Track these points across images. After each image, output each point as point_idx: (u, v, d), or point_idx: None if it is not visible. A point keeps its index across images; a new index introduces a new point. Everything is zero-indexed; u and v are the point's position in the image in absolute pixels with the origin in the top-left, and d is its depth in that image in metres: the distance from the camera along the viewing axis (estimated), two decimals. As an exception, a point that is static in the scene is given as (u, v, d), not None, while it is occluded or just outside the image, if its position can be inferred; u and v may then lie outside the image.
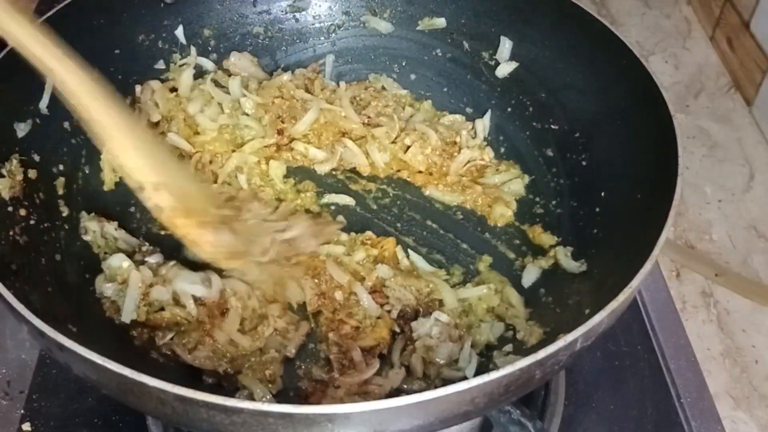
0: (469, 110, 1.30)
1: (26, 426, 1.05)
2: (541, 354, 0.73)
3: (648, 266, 0.81)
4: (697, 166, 1.48)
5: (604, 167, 1.09)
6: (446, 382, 0.78)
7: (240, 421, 0.69)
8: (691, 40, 1.78)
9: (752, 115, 1.58)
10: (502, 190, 1.19)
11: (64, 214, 1.07)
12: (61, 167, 1.10)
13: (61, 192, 1.09)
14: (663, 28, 1.81)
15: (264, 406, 0.68)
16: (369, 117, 1.25)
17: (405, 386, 0.95)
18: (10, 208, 0.98)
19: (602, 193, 1.07)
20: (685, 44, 1.77)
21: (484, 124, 1.26)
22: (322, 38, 1.34)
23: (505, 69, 1.25)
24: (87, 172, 1.14)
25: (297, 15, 1.32)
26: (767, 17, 1.52)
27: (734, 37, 1.65)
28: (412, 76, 1.33)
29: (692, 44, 1.77)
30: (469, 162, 1.22)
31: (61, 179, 1.09)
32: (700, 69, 1.70)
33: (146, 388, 0.70)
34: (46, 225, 1.03)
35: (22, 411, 1.07)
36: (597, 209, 1.07)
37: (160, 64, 1.25)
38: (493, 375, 0.70)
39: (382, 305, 1.02)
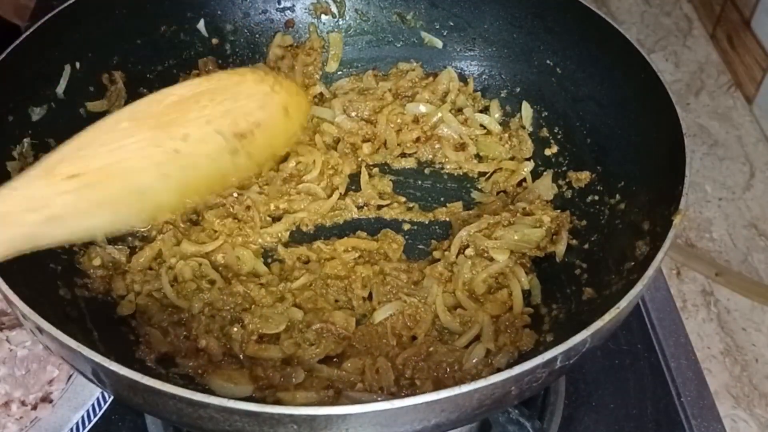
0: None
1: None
2: (516, 370, 0.71)
3: (639, 287, 0.79)
4: (697, 164, 1.48)
5: (614, 180, 1.09)
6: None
7: (207, 416, 0.70)
8: (691, 38, 1.78)
9: (753, 114, 1.58)
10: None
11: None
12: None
13: None
14: (663, 25, 1.81)
15: (229, 403, 0.68)
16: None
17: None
18: None
19: (610, 204, 1.07)
20: (685, 42, 1.77)
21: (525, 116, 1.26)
22: (347, 42, 1.34)
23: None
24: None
25: (322, 17, 1.32)
26: (768, 15, 1.52)
27: (735, 35, 1.65)
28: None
29: (693, 42, 1.76)
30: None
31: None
32: (700, 67, 1.70)
33: (117, 377, 0.71)
34: None
35: (22, 410, 1.07)
36: (602, 220, 1.07)
37: (181, 57, 1.26)
38: (464, 388, 0.69)
39: None
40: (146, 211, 0.80)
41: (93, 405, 1.02)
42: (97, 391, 1.02)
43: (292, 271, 1.07)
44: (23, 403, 1.00)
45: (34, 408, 1.00)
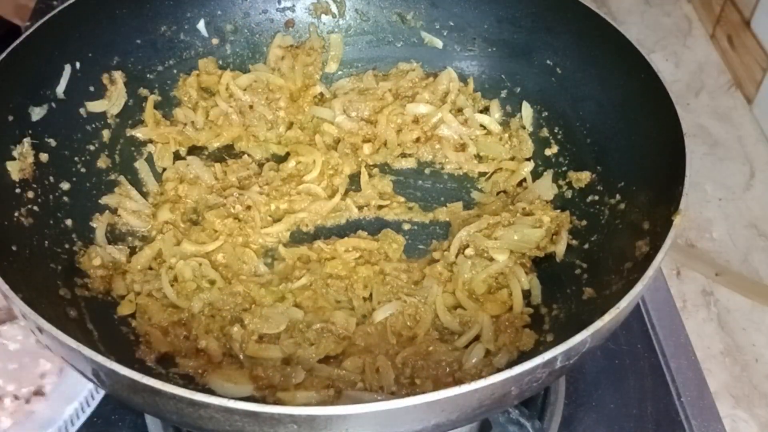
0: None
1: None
2: (516, 370, 0.71)
3: (639, 287, 0.79)
4: (697, 164, 1.48)
5: (614, 180, 1.09)
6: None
7: (207, 416, 0.70)
8: (691, 38, 1.78)
9: (753, 114, 1.58)
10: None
11: (73, 200, 1.08)
12: (74, 152, 1.11)
13: (72, 177, 1.09)
14: (663, 26, 1.81)
15: (229, 403, 0.68)
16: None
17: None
18: (18, 190, 1.00)
19: (610, 204, 1.07)
20: (685, 42, 1.77)
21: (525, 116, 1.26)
22: (347, 42, 1.34)
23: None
24: (100, 158, 1.14)
25: (322, 17, 1.32)
26: (768, 15, 1.52)
27: (735, 35, 1.65)
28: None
29: (693, 42, 1.76)
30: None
31: (74, 164, 1.10)
32: (700, 67, 1.70)
33: (118, 377, 0.71)
34: (53, 209, 1.04)
35: (22, 410, 1.07)
36: (602, 220, 1.07)
37: (181, 57, 1.26)
38: (464, 388, 0.69)
39: None
40: None
41: (86, 397, 1.02)
42: (90, 384, 1.02)
43: (292, 271, 1.07)
44: (16, 397, 1.00)
45: (28, 402, 1.00)
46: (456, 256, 1.07)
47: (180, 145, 1.22)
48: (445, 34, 1.30)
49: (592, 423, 1.08)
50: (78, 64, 1.12)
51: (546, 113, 1.23)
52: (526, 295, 1.04)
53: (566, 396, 1.08)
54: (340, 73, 1.34)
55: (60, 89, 1.10)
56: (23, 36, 1.03)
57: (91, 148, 1.14)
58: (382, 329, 1.00)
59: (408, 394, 0.68)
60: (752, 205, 1.41)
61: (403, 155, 1.25)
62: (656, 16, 1.83)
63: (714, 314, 1.25)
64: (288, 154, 1.24)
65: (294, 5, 1.31)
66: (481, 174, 1.22)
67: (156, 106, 1.23)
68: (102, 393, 1.03)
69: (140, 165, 1.19)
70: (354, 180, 1.21)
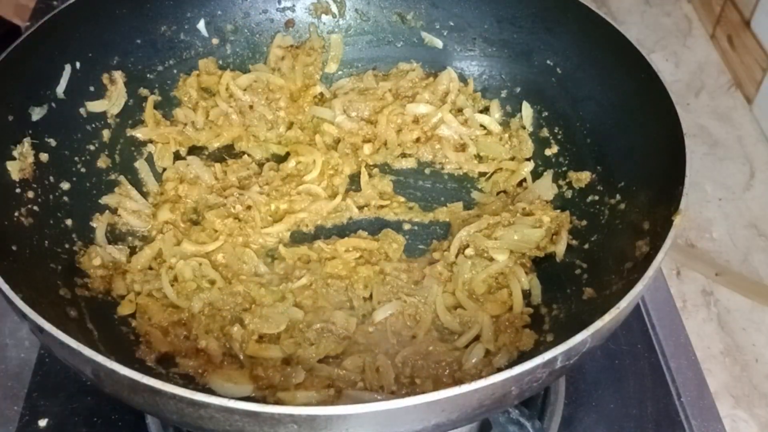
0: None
1: (25, 425, 1.05)
2: (516, 370, 0.71)
3: (639, 287, 0.79)
4: (697, 164, 1.48)
5: (614, 180, 1.08)
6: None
7: (207, 416, 0.70)
8: (691, 38, 1.78)
9: (753, 114, 1.58)
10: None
11: (73, 200, 1.08)
12: (74, 152, 1.11)
13: (72, 177, 1.09)
14: (663, 26, 1.81)
15: (229, 403, 0.68)
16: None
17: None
18: (18, 190, 1.00)
19: (610, 204, 1.07)
20: (685, 42, 1.77)
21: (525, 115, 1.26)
22: (347, 42, 1.34)
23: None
24: (100, 158, 1.15)
25: (323, 17, 1.32)
26: (768, 15, 1.52)
27: (735, 35, 1.65)
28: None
29: (693, 42, 1.77)
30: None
31: (74, 164, 1.10)
32: (700, 67, 1.70)
33: (118, 377, 0.71)
34: (53, 209, 1.04)
35: (21, 410, 1.07)
36: (602, 220, 1.07)
37: (181, 57, 1.26)
38: (464, 388, 0.69)
39: None
40: None
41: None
42: None
43: (292, 271, 1.07)
44: None
45: None
46: (456, 256, 1.07)
47: (180, 145, 1.23)
48: (445, 34, 1.30)
49: (592, 423, 1.08)
50: (78, 64, 1.12)
51: (546, 113, 1.23)
52: (526, 295, 1.04)
53: (566, 396, 1.08)
54: (340, 73, 1.34)
55: (60, 89, 1.10)
56: (23, 36, 1.03)
57: (91, 148, 1.14)
58: (382, 329, 1.00)
59: (408, 394, 0.68)
60: (752, 205, 1.41)
61: (403, 155, 1.25)
62: (656, 16, 1.83)
63: (714, 314, 1.25)
64: (288, 154, 1.24)
65: (294, 5, 1.32)
66: (481, 174, 1.23)
67: (156, 106, 1.23)
68: None
69: (140, 165, 1.19)
70: (354, 180, 1.21)
